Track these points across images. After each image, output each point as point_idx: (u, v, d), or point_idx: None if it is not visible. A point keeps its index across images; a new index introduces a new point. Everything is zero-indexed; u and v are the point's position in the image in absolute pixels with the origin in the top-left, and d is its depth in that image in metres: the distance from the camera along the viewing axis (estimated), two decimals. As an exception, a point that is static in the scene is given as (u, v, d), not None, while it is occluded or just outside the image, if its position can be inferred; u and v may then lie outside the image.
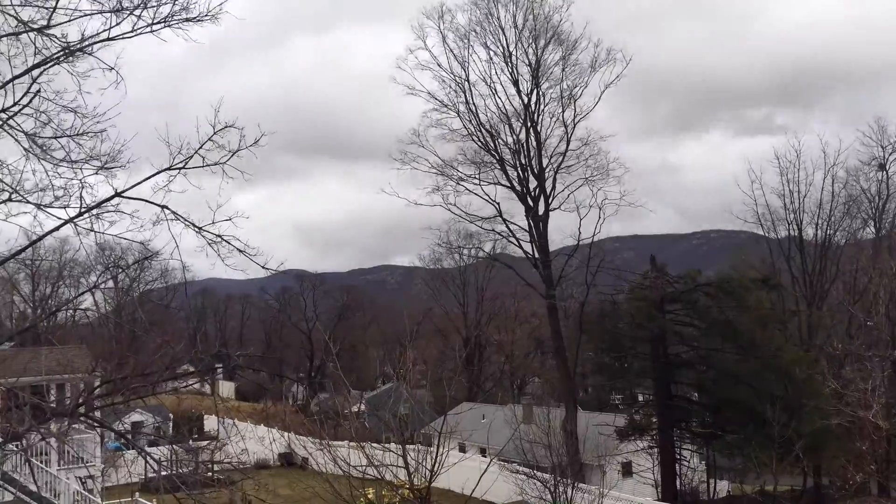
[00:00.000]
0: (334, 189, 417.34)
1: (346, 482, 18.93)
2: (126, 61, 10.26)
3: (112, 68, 10.14)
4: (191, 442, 37.80)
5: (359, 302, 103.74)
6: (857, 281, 47.47)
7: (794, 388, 37.00)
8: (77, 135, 10.27)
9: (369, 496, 21.40)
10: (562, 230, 43.54)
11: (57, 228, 10.80)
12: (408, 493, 18.68)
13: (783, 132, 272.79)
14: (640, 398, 56.66)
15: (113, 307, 68.24)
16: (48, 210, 10.58)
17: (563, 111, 40.38)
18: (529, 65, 40.17)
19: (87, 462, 27.72)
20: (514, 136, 40.98)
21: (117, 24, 10.13)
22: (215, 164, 10.66)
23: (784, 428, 29.43)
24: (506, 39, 40.14)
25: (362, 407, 57.98)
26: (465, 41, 40.39)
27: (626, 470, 42.09)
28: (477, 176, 41.02)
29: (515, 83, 40.36)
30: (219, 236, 10.71)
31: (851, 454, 29.12)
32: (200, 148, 10.51)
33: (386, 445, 21.70)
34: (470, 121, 40.78)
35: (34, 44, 9.69)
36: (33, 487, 21.76)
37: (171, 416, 50.84)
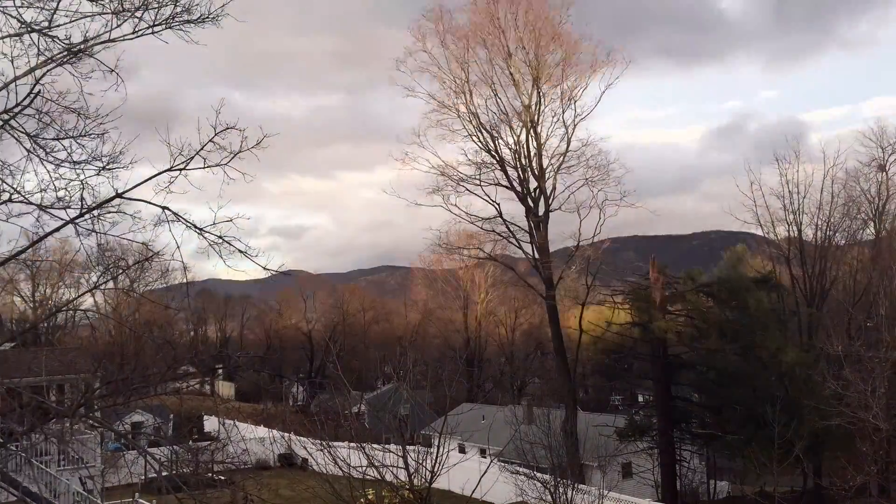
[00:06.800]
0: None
1: (346, 483, 18.94)
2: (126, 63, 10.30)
3: (112, 70, 10.17)
4: (191, 442, 37.79)
5: (359, 303, 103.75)
6: (856, 282, 47.51)
7: (794, 389, 37.02)
8: (79, 136, 10.31)
9: (370, 497, 21.42)
10: (562, 231, 43.45)
11: (58, 229, 10.83)
12: (408, 493, 18.68)
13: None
14: (641, 399, 56.77)
15: (113, 308, 68.23)
16: (49, 211, 10.61)
17: (564, 112, 40.43)
18: (529, 65, 40.20)
19: (88, 462, 27.71)
20: (515, 137, 41.02)
21: (118, 26, 10.16)
22: (216, 165, 10.69)
23: (784, 429, 29.40)
24: (506, 39, 40.17)
25: (362, 407, 58.02)
26: (465, 42, 40.43)
27: (627, 471, 42.10)
28: (477, 177, 41.01)
29: (516, 84, 40.38)
30: (220, 237, 10.75)
31: (851, 455, 29.13)
32: (202, 149, 10.54)
33: (386, 446, 21.71)
34: (470, 121, 40.82)
35: (36, 45, 9.72)
36: (34, 488, 21.78)
37: (172, 416, 50.86)
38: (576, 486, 26.69)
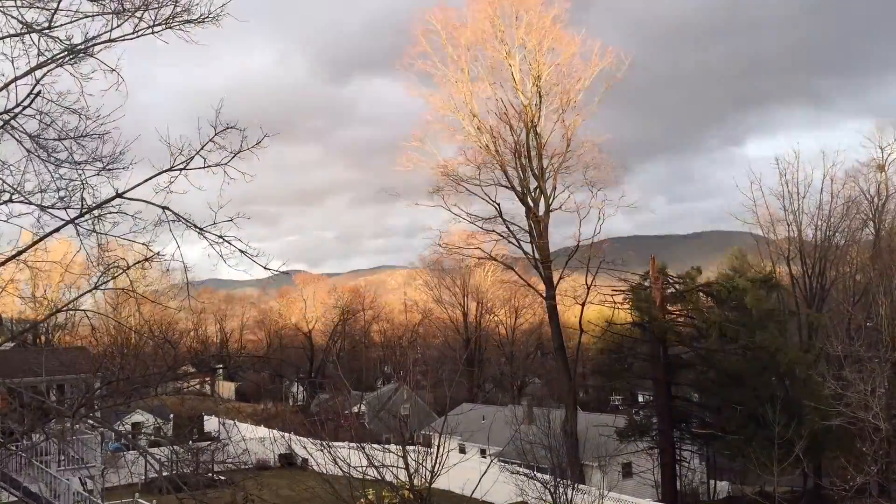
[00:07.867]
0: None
1: (346, 483, 18.95)
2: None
3: (113, 70, 10.18)
4: (191, 442, 37.80)
5: (359, 303, 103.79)
6: (856, 282, 47.49)
7: (794, 389, 37.02)
8: (79, 136, 10.30)
9: (370, 497, 21.43)
10: (562, 231, 43.43)
11: (58, 229, 10.83)
12: (408, 493, 18.69)
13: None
14: (641, 399, 56.76)
15: (113, 308, 68.25)
16: (50, 211, 10.61)
17: (564, 112, 40.38)
18: (530, 64, 40.18)
19: (88, 462, 27.72)
20: (515, 137, 40.98)
21: (118, 26, 10.17)
22: (217, 164, 10.69)
23: (784, 429, 29.40)
24: (506, 38, 40.12)
25: (362, 407, 58.07)
26: (466, 41, 40.37)
27: (627, 471, 42.10)
28: (477, 177, 40.99)
29: (516, 83, 40.36)
30: (220, 237, 10.75)
31: (851, 455, 29.12)
32: (202, 149, 10.54)
33: (386, 446, 21.73)
34: (471, 120, 40.80)
35: (37, 45, 9.72)
36: (34, 488, 21.80)
37: (172, 416, 50.89)
38: (576, 486, 26.74)
